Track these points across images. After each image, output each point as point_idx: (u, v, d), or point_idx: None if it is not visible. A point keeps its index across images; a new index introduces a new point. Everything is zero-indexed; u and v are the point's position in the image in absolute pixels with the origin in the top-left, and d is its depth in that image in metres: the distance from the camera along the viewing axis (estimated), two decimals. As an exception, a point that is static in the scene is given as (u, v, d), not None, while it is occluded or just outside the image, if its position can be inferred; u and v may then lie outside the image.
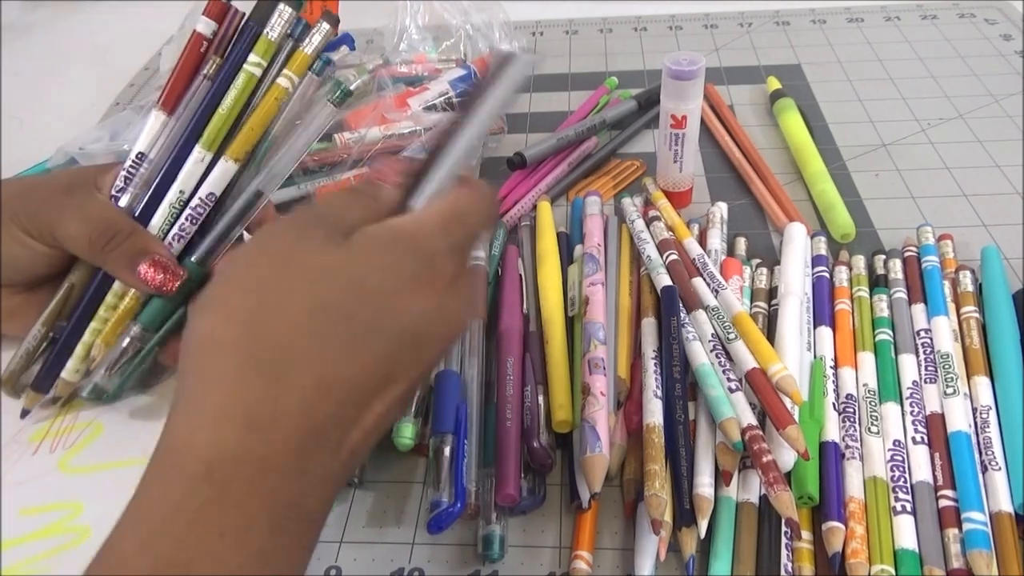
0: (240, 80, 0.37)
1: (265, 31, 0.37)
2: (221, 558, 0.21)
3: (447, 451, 0.33)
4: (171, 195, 0.37)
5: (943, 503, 0.31)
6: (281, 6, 0.36)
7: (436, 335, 0.27)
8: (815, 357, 0.37)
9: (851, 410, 0.35)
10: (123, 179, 0.38)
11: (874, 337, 0.38)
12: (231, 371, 0.23)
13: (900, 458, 0.33)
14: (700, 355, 0.36)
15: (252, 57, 0.36)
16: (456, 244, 0.28)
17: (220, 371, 0.23)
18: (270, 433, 0.22)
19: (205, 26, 0.37)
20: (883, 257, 0.43)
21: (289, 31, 0.37)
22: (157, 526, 0.21)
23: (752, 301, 0.41)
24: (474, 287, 0.30)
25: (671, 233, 0.43)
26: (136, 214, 0.38)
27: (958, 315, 0.38)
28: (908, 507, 0.31)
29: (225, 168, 0.37)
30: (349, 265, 0.25)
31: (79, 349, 0.38)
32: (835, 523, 0.30)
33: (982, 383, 0.35)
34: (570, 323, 0.40)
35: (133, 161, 0.38)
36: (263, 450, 0.22)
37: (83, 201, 0.37)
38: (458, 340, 0.30)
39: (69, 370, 0.38)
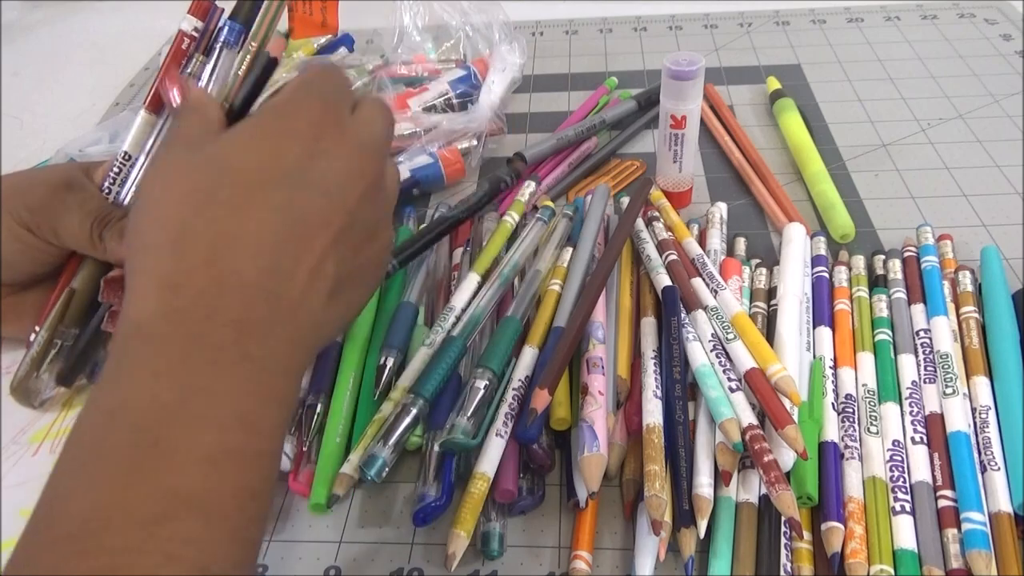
0: (505, 226, 0.44)
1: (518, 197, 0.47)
2: (154, 394, 0.23)
3: (436, 445, 0.33)
4: None
5: (942, 503, 0.31)
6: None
7: (336, 177, 0.28)
8: (814, 357, 0.37)
9: (850, 410, 0.35)
10: (110, 179, 0.39)
11: (873, 337, 0.38)
12: (146, 255, 0.26)
13: (899, 458, 0.33)
14: (700, 355, 0.36)
15: (512, 212, 0.45)
16: (319, 92, 0.29)
17: (140, 259, 0.26)
18: (181, 288, 0.24)
19: (188, 24, 0.38)
20: (883, 257, 0.43)
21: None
22: (100, 385, 0.24)
23: (751, 301, 0.41)
24: (367, 133, 0.30)
25: (671, 233, 0.43)
26: None
27: (957, 315, 0.38)
28: (907, 507, 0.31)
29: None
30: (216, 147, 0.28)
31: None
32: (834, 523, 0.30)
33: (981, 383, 0.35)
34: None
35: (120, 161, 0.39)
36: (178, 303, 0.24)
37: (82, 195, 0.38)
38: (373, 186, 0.29)
39: None
